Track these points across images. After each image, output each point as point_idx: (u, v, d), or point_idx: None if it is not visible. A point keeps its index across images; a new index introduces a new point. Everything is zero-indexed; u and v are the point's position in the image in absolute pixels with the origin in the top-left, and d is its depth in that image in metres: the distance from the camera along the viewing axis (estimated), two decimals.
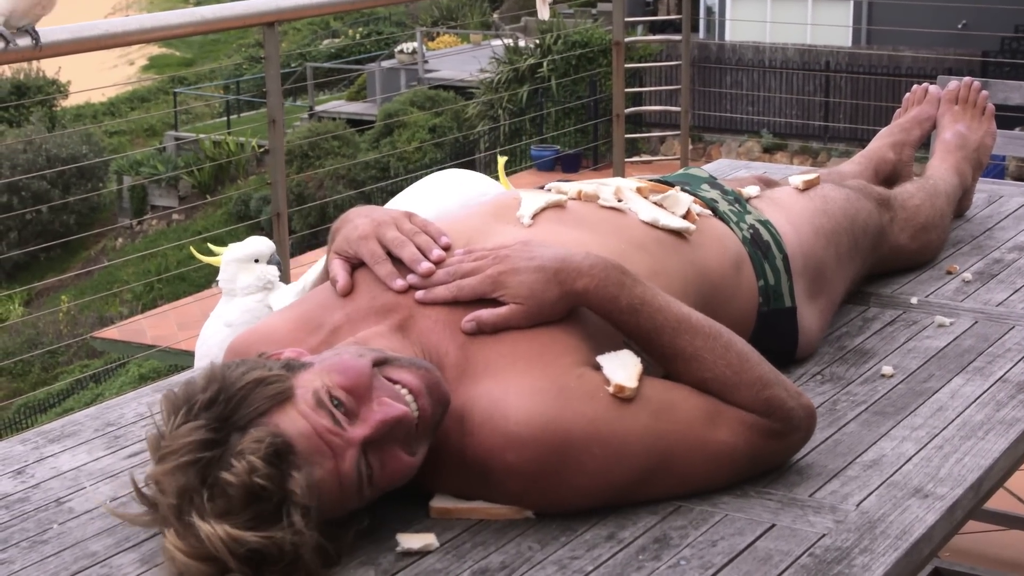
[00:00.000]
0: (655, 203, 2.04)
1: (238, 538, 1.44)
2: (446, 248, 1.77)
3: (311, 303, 1.78)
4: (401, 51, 21.58)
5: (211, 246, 2.18)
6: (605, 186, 2.05)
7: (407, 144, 18.35)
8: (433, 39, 23.36)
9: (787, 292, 2.09)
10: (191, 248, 2.46)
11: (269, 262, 2.09)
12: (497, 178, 2.35)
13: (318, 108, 21.52)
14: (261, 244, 2.11)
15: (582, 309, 1.71)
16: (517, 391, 1.61)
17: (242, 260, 2.09)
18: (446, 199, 2.21)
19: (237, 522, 1.45)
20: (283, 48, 22.38)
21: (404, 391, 1.57)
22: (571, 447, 1.60)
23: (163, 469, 1.49)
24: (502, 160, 2.47)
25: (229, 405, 1.50)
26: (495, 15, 24.77)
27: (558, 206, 1.95)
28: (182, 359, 8.84)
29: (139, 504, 1.55)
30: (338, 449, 1.51)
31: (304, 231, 14.98)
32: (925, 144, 2.91)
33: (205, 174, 20.04)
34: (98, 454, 1.89)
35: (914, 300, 2.37)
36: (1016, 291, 2.41)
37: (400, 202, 2.46)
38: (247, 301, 2.07)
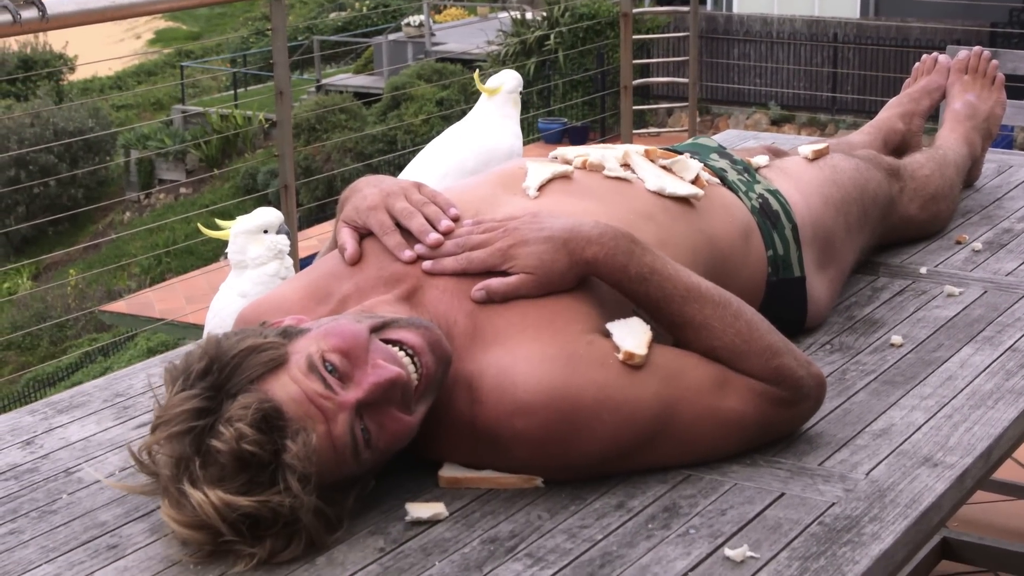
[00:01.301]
0: (663, 167, 2.03)
1: (230, 503, 1.45)
2: (455, 219, 1.76)
3: (320, 272, 1.78)
4: (408, 24, 21.51)
5: (217, 220, 2.18)
6: (611, 150, 2.04)
7: (414, 117, 18.30)
8: (440, 12, 23.29)
9: (796, 262, 2.09)
10: (198, 223, 2.45)
11: (278, 232, 2.09)
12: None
13: (325, 81, 21.46)
14: (270, 214, 2.11)
15: (592, 277, 1.71)
16: (526, 358, 1.61)
17: (251, 231, 2.09)
18: (462, 156, 2.24)
19: (231, 488, 1.45)
20: (290, 21, 22.31)
21: (403, 353, 1.57)
22: (580, 414, 1.60)
23: (158, 438, 1.50)
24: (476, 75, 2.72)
25: (223, 373, 1.50)
26: None
27: (564, 177, 1.94)
28: (190, 332, 8.85)
29: (143, 474, 1.55)
30: (329, 413, 1.51)
31: (312, 204, 14.96)
32: (934, 114, 2.90)
33: (212, 147, 20.01)
34: (107, 424, 1.90)
35: (923, 270, 2.37)
36: None
37: (413, 170, 2.46)
38: (259, 273, 2.07)
